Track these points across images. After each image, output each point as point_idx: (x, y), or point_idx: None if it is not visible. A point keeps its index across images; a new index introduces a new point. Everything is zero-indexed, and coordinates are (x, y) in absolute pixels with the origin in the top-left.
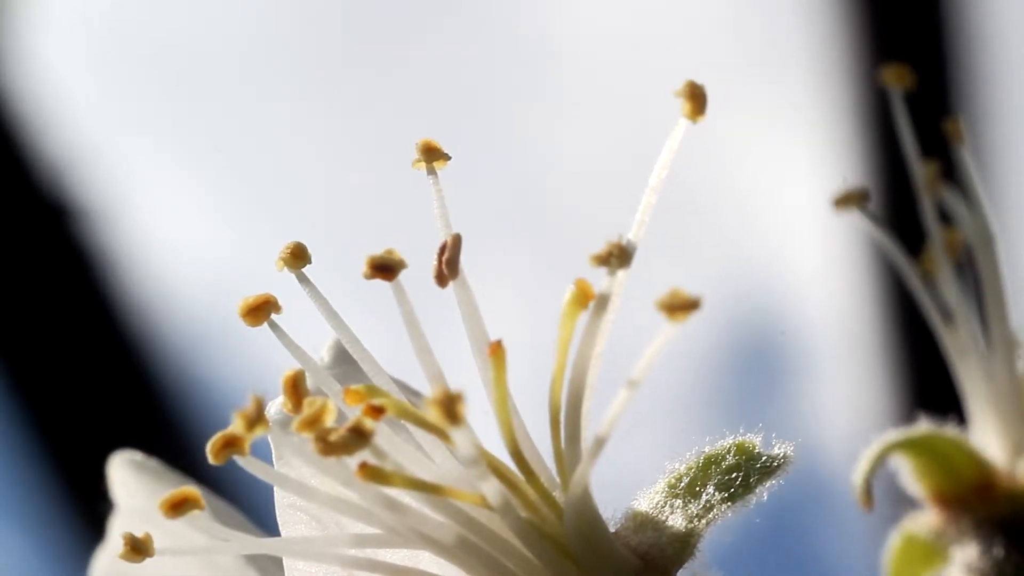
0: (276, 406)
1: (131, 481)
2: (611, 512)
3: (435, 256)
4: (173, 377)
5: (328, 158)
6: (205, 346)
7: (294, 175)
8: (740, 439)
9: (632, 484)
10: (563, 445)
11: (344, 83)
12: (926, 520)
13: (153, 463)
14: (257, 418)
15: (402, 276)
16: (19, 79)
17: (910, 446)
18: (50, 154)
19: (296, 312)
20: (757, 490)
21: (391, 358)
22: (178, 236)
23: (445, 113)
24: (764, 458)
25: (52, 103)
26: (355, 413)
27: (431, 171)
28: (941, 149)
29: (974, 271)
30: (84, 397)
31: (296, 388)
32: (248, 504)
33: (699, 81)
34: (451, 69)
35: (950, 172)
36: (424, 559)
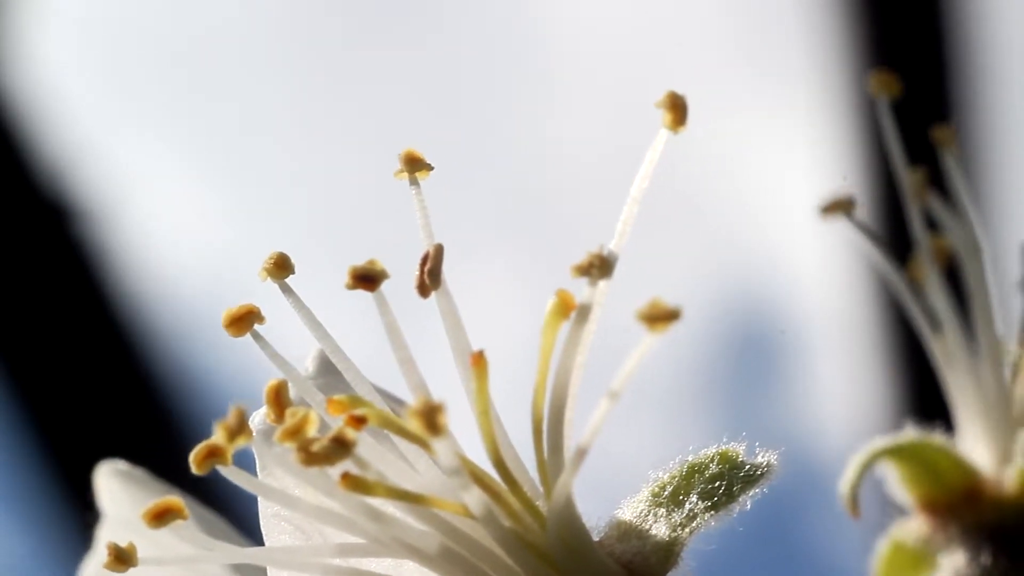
0: (259, 416)
1: (117, 490)
2: (595, 520)
3: (417, 266)
4: (173, 378)
5: (320, 156)
6: (206, 346)
7: (289, 173)
8: (723, 448)
9: (628, 474)
10: (546, 454)
11: (337, 81)
12: (914, 527)
13: (139, 472)
14: (239, 428)
15: (384, 286)
16: (16, 77)
17: (897, 453)
18: (47, 151)
19: (280, 322)
20: (740, 499)
21: (374, 368)
22: (178, 233)
23: (436, 112)
24: (747, 467)
25: (49, 99)
26: (338, 423)
27: (413, 181)
28: (933, 155)
29: (962, 278)
30: (83, 398)
31: (279, 398)
32: (238, 513)
33: (680, 91)
34: (446, 66)
35: (940, 179)
36: (408, 568)
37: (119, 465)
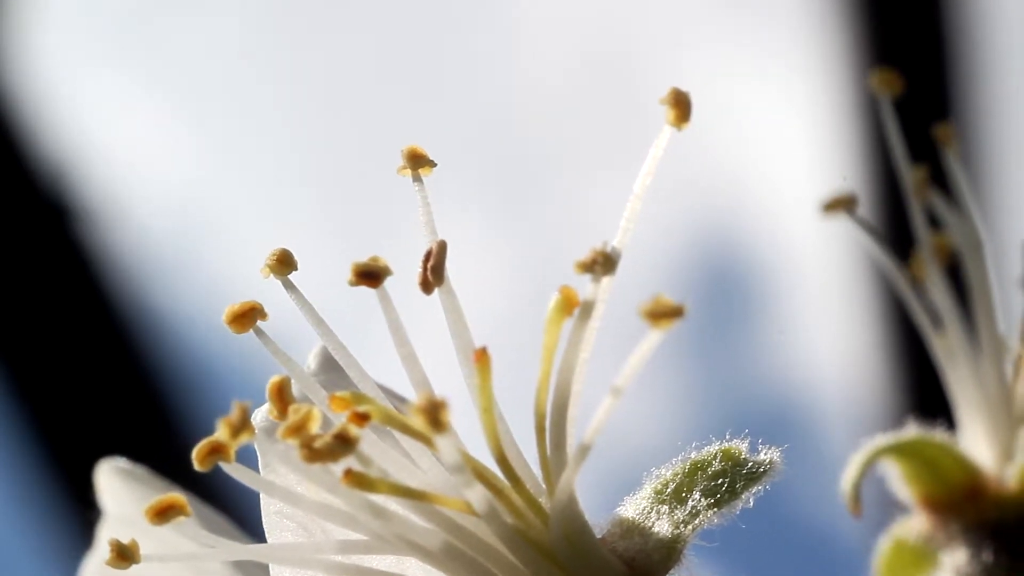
0: (262, 413)
1: (118, 488)
2: (598, 517)
3: (420, 263)
4: (172, 377)
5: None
6: (206, 343)
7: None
8: (726, 445)
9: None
10: (549, 451)
11: (327, 50)
12: (915, 525)
13: (140, 470)
14: (242, 425)
15: (387, 283)
16: (16, 76)
17: (899, 451)
18: (47, 151)
19: (282, 317)
20: (743, 496)
21: (377, 364)
22: (178, 227)
23: (424, 92)
24: (750, 464)
25: (48, 97)
26: (341, 420)
27: (416, 178)
28: (934, 152)
29: (963, 276)
30: (83, 398)
31: (282, 395)
32: (238, 511)
33: (683, 88)
34: (442, 44)
35: (941, 176)
36: (410, 565)
37: (120, 463)
